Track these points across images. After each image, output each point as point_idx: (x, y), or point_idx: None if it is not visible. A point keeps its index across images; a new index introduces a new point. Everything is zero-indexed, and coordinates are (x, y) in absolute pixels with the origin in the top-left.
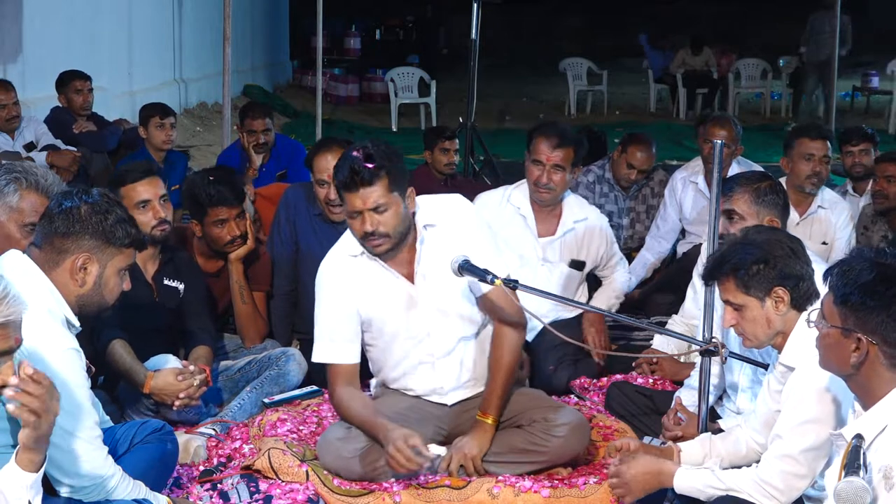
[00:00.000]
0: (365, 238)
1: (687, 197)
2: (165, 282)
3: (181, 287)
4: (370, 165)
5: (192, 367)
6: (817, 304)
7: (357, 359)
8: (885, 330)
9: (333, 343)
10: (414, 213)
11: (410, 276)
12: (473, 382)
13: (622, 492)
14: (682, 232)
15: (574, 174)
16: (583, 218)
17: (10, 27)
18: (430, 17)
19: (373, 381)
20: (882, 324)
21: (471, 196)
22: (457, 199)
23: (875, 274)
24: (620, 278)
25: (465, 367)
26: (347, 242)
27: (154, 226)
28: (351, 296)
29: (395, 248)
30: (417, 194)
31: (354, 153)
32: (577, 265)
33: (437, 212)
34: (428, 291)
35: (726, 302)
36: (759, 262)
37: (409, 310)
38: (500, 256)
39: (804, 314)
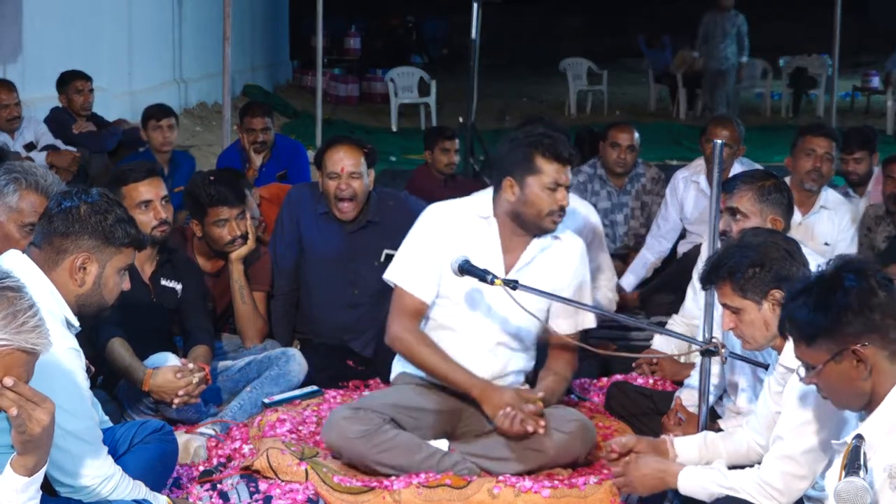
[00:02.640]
0: (555, 212)
1: (688, 196)
2: (163, 282)
3: (178, 287)
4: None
5: (190, 365)
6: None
7: (429, 301)
8: (870, 325)
9: (414, 272)
10: None
11: (508, 267)
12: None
13: (628, 490)
14: (683, 232)
15: None
16: (571, 210)
17: (10, 27)
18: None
19: (394, 367)
20: (864, 323)
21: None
22: (580, 240)
23: (817, 291)
24: (600, 297)
25: (503, 369)
26: (480, 203)
27: (155, 226)
28: (452, 245)
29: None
30: (418, 194)
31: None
32: None
33: (563, 232)
34: (510, 285)
35: (724, 306)
36: (754, 266)
37: (485, 290)
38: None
39: None
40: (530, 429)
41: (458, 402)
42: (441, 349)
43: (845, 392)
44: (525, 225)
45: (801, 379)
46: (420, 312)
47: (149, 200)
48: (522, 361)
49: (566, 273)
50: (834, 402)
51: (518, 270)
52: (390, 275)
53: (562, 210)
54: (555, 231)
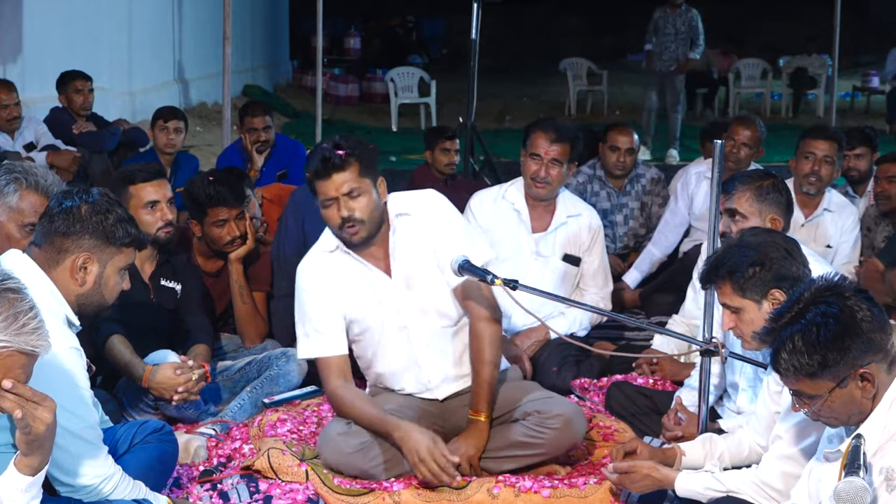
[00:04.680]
0: (341, 226)
1: (700, 192)
2: (162, 282)
3: (178, 288)
4: (340, 152)
5: (190, 362)
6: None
7: (346, 350)
8: (870, 344)
9: (320, 335)
10: (385, 205)
11: (387, 270)
12: (461, 375)
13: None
14: (687, 230)
15: (570, 171)
16: (576, 213)
17: (10, 27)
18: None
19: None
20: (865, 342)
21: (470, 195)
22: (429, 192)
23: (806, 325)
24: (589, 304)
25: (449, 359)
26: (323, 239)
27: (160, 227)
28: (333, 291)
29: (370, 237)
30: None
31: (324, 144)
32: (570, 260)
33: (409, 202)
34: (404, 284)
35: (724, 305)
36: (754, 265)
37: (387, 303)
38: (474, 247)
39: None
40: (446, 480)
41: (436, 405)
42: (368, 399)
43: (848, 413)
44: (348, 243)
45: (796, 407)
46: (345, 363)
47: (156, 201)
48: (465, 335)
49: (430, 237)
50: (832, 424)
51: (397, 269)
52: (304, 353)
53: (349, 220)
54: (358, 242)
